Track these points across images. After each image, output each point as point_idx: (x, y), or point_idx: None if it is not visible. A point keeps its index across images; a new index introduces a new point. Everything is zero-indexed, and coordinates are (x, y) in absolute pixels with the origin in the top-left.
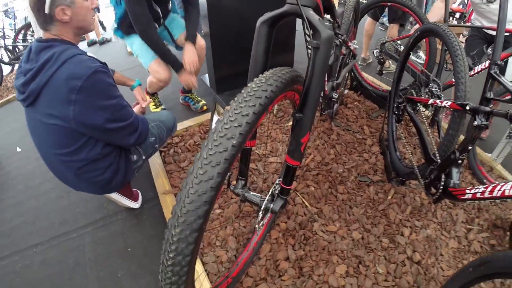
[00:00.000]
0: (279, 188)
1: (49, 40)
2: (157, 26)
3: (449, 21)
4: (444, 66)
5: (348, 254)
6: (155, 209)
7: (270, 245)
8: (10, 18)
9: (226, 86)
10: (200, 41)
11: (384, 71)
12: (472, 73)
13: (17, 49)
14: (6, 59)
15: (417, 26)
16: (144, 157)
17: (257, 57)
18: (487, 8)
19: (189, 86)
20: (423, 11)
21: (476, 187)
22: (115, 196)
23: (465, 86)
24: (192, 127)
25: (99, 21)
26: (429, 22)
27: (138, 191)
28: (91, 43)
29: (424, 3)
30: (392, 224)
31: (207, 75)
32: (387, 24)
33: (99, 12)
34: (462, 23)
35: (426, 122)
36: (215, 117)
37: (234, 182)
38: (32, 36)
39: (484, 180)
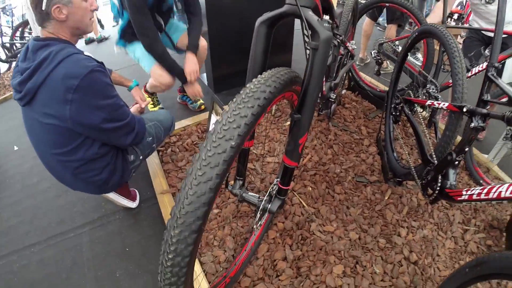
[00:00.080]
0: (277, 188)
1: (46, 39)
2: (159, 34)
3: (447, 22)
4: (442, 67)
5: (345, 254)
6: (152, 208)
7: (267, 245)
8: (7, 15)
9: (224, 85)
10: (202, 41)
11: (381, 72)
12: (469, 74)
13: (14, 46)
14: (3, 57)
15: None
16: (141, 157)
17: (255, 57)
18: (485, 9)
19: (196, 97)
20: (424, 13)
21: (472, 189)
22: (112, 195)
23: (462, 88)
24: (190, 126)
25: (97, 19)
26: (427, 24)
27: (136, 190)
28: (89, 41)
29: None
30: (389, 225)
31: (205, 74)
32: (385, 25)
33: (97, 10)
34: (460, 24)
35: (423, 123)
36: (213, 117)
37: (232, 182)
38: (30, 33)
39: (481, 181)
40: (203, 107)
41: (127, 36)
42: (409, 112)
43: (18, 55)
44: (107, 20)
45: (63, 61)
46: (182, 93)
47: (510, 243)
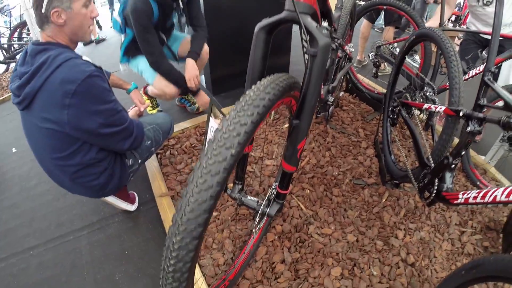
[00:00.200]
0: (275, 192)
1: (45, 44)
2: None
3: (445, 24)
4: (439, 70)
5: (343, 256)
6: (151, 211)
7: (266, 248)
8: (5, 16)
9: (222, 87)
10: (205, 46)
11: (379, 74)
12: (466, 77)
13: (12, 47)
14: (1, 58)
15: None
16: (140, 161)
17: (254, 63)
18: (482, 11)
19: (206, 107)
20: (425, 16)
21: (468, 192)
22: (111, 199)
23: (459, 91)
24: (188, 129)
25: (95, 20)
26: (425, 27)
27: (135, 193)
28: (87, 42)
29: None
30: (386, 227)
31: (203, 76)
32: (383, 27)
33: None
34: (457, 26)
35: (420, 126)
36: (212, 119)
37: (231, 185)
38: (28, 34)
39: (478, 183)
40: (201, 109)
41: (130, 51)
42: (407, 115)
43: (17, 56)
44: (104, 21)
45: (61, 65)
46: (180, 95)
47: (507, 245)
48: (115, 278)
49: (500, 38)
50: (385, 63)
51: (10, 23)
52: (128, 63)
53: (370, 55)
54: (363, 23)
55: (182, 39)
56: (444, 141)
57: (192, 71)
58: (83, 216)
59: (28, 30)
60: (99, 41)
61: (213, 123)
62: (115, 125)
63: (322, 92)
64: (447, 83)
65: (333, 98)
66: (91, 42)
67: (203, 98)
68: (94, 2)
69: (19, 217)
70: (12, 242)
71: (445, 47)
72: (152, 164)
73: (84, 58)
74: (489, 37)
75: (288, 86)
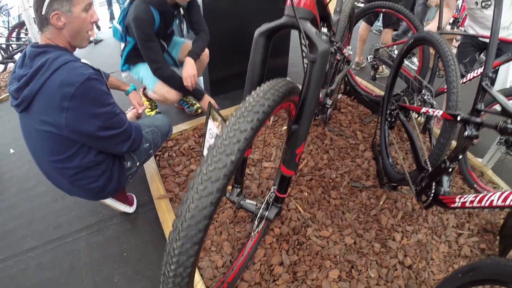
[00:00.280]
0: (274, 196)
1: (44, 46)
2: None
3: (443, 28)
4: (437, 73)
5: (341, 258)
6: (150, 213)
7: (264, 250)
8: (4, 15)
9: (221, 89)
10: (205, 49)
11: (377, 75)
12: (464, 80)
13: (10, 47)
14: None
15: None
16: (138, 164)
17: (254, 67)
18: (481, 14)
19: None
20: (425, 19)
21: (465, 196)
22: (109, 201)
23: (457, 96)
24: (187, 130)
25: None
26: (423, 31)
27: (133, 195)
28: None
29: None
30: (383, 229)
31: (201, 78)
32: (381, 28)
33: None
34: (455, 28)
35: (418, 129)
36: (210, 122)
37: (230, 188)
38: (26, 34)
39: (475, 185)
40: (200, 111)
41: (131, 59)
42: (404, 119)
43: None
44: (103, 21)
45: (60, 68)
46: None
47: (503, 247)
48: (113, 280)
49: (498, 41)
50: (383, 66)
51: (8, 22)
52: (129, 71)
53: (368, 58)
54: (361, 25)
55: (181, 44)
56: (442, 145)
57: (189, 70)
58: (82, 217)
59: (26, 30)
60: (97, 41)
61: (212, 126)
62: (113, 128)
63: (320, 95)
64: (445, 86)
65: (331, 101)
66: (89, 42)
67: (205, 103)
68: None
69: (17, 218)
70: (10, 243)
71: (443, 52)
72: (150, 166)
73: (83, 61)
74: (486, 40)
75: (287, 91)
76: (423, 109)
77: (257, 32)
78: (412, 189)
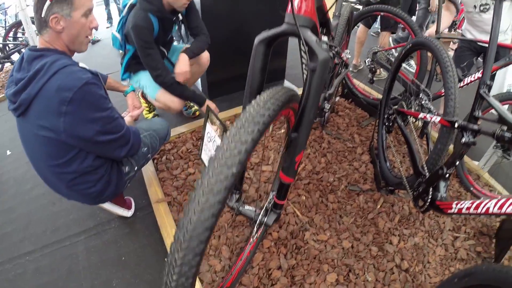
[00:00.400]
0: (273, 202)
1: (42, 50)
2: None
3: (441, 32)
4: (435, 77)
5: (339, 262)
6: (148, 217)
7: (262, 254)
8: (1, 14)
9: (218, 92)
10: (205, 53)
11: (375, 78)
12: (461, 84)
13: (7, 47)
14: None
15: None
16: (136, 168)
17: (254, 74)
18: (479, 18)
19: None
20: (426, 23)
21: (462, 202)
22: (107, 205)
23: (455, 102)
24: (185, 133)
25: None
26: (421, 36)
27: (131, 198)
28: None
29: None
30: (381, 233)
31: (199, 80)
32: (378, 31)
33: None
34: (453, 31)
35: (415, 133)
36: (208, 125)
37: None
38: (23, 34)
39: (471, 188)
40: (197, 113)
41: (131, 67)
42: (402, 123)
43: (12, 56)
44: (100, 21)
45: (58, 72)
46: None
47: (499, 250)
48: (112, 285)
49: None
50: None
51: (5, 22)
52: (130, 79)
53: (366, 61)
54: (359, 28)
55: (180, 50)
56: (439, 150)
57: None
58: (80, 221)
59: (23, 29)
60: (95, 41)
61: (210, 129)
62: (111, 132)
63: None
64: (443, 90)
65: (329, 105)
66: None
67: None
68: None
69: (14, 221)
70: (8, 247)
71: (441, 58)
72: (148, 169)
73: (81, 65)
74: (484, 44)
75: (287, 100)
76: (421, 115)
77: (257, 39)
78: (409, 194)
